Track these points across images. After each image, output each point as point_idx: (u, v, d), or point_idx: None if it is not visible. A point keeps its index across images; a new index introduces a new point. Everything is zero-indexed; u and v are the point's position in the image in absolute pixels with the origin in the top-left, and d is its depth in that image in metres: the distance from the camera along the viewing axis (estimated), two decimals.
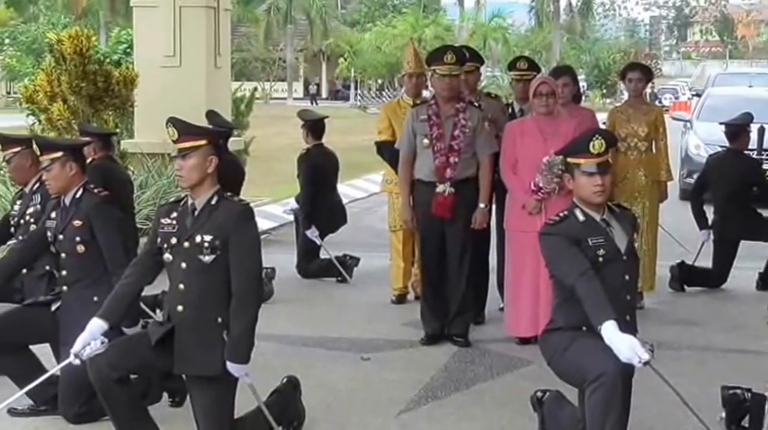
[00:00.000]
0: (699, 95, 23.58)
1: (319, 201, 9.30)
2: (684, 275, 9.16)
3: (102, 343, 4.79)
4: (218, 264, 4.71)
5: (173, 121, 4.81)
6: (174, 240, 4.79)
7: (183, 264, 4.76)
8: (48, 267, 5.90)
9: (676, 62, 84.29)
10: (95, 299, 5.29)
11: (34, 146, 5.89)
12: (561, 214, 4.85)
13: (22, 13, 49.69)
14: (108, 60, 13.10)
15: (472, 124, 7.07)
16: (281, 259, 9.87)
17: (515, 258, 7.12)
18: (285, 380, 5.49)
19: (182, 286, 4.78)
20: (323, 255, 9.62)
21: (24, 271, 6.02)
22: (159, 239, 4.86)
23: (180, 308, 4.79)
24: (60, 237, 5.52)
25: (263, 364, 6.63)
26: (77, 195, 5.54)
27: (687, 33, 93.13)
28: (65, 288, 5.52)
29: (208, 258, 4.70)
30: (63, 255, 5.53)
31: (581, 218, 4.76)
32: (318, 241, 9.35)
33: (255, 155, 16.54)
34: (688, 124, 17.14)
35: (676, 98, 41.83)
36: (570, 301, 4.66)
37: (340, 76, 57.35)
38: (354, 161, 16.15)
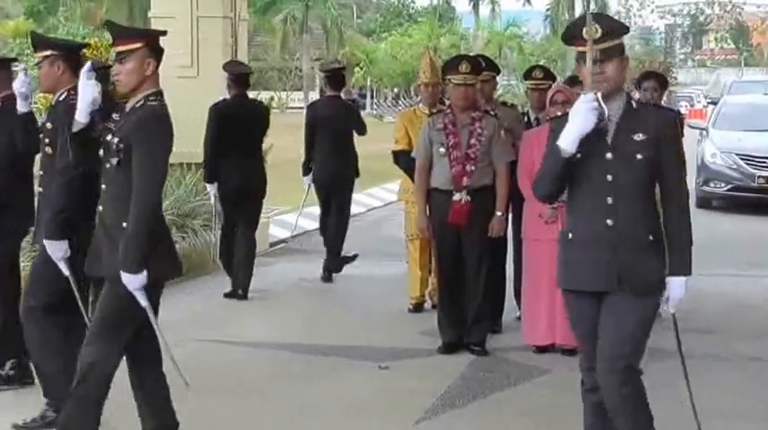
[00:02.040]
0: (714, 103, 23.51)
1: (317, 147, 9.91)
2: None
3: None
4: (122, 168, 4.61)
5: (108, 25, 4.84)
6: (107, 136, 4.72)
7: (107, 164, 4.72)
8: None
9: (691, 70, 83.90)
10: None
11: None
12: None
13: (42, 24, 49.83)
14: None
15: (488, 133, 7.09)
16: (300, 268, 9.91)
17: (532, 267, 7.14)
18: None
19: (104, 185, 4.75)
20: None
21: None
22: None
23: (100, 208, 4.77)
24: (41, 135, 5.60)
25: (280, 373, 6.68)
26: (61, 98, 5.52)
27: (702, 41, 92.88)
28: (40, 188, 5.57)
29: (114, 160, 4.65)
30: (40, 153, 5.61)
31: None
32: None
33: (273, 163, 16.52)
34: (704, 132, 17.08)
35: (692, 106, 41.74)
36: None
37: (356, 84, 57.42)
38: (371, 170, 16.10)
